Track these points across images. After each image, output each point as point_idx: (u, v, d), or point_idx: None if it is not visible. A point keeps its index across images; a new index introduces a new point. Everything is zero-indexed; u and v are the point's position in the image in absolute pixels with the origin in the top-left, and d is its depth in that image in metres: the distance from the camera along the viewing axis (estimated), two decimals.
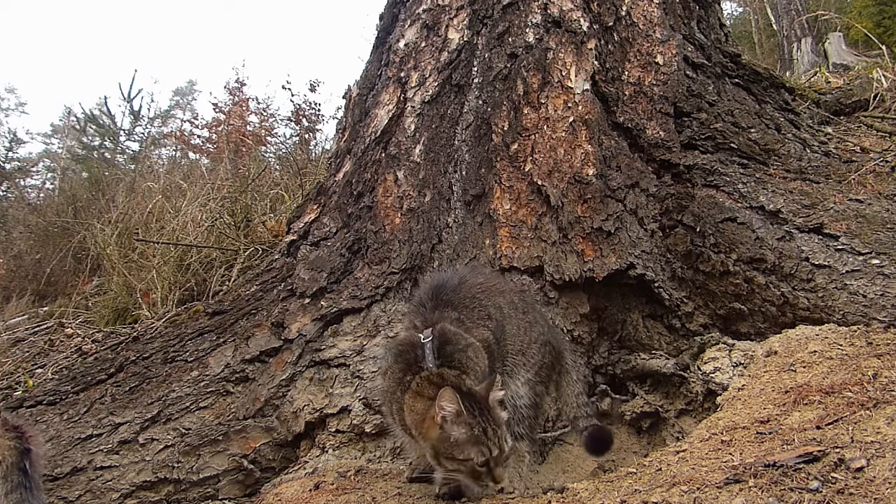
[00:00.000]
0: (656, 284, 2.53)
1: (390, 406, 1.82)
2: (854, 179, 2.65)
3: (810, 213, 2.40)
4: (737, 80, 3.11)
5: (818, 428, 1.43)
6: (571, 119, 2.77)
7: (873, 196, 2.50)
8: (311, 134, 10.12)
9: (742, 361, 2.19)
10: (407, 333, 1.93)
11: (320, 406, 2.41)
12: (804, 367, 1.85)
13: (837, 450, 1.27)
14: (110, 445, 2.37)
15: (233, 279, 3.90)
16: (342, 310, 2.63)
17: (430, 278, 2.19)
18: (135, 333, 3.26)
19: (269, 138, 11.07)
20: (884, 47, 4.98)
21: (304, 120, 10.58)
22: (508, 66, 2.89)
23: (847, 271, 2.18)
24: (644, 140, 2.81)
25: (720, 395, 2.06)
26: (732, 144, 2.77)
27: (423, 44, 3.07)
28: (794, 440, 1.40)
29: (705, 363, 2.29)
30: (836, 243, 2.26)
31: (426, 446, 1.67)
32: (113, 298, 4.09)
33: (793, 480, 1.20)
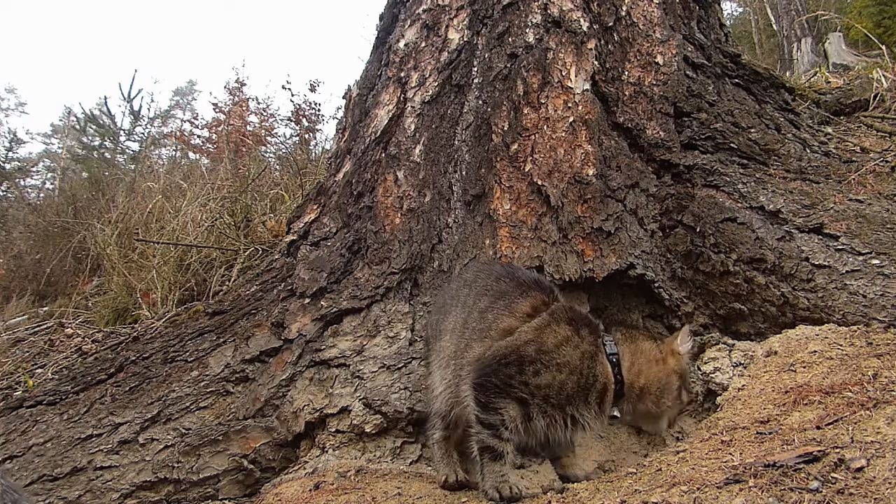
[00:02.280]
0: (656, 284, 2.53)
1: (587, 371, 1.76)
2: (854, 179, 2.65)
3: (810, 213, 2.40)
4: (737, 80, 3.11)
5: (818, 428, 1.43)
6: (571, 119, 2.77)
7: (873, 196, 2.50)
8: (311, 134, 10.13)
9: (742, 361, 2.19)
10: (564, 305, 1.90)
11: (320, 406, 2.41)
12: (804, 368, 1.85)
13: (837, 450, 1.27)
14: (110, 445, 2.37)
15: (233, 279, 3.90)
16: (342, 310, 2.63)
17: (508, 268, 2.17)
18: (135, 333, 3.26)
19: (269, 138, 11.08)
20: (884, 47, 4.97)
21: (304, 120, 10.60)
22: (508, 66, 2.89)
23: (847, 271, 2.18)
24: (644, 140, 2.81)
25: (720, 395, 2.06)
26: (732, 144, 2.77)
27: (423, 44, 3.07)
28: (794, 440, 1.40)
29: (705, 363, 2.29)
30: (836, 243, 2.26)
31: (667, 379, 1.81)
32: (113, 298, 4.09)
33: (793, 480, 1.20)
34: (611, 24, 2.98)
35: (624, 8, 3.01)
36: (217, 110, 13.38)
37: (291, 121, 11.00)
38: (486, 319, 1.89)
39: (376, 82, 3.20)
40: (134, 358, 2.68)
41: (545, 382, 1.71)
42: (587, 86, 2.83)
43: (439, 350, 2.06)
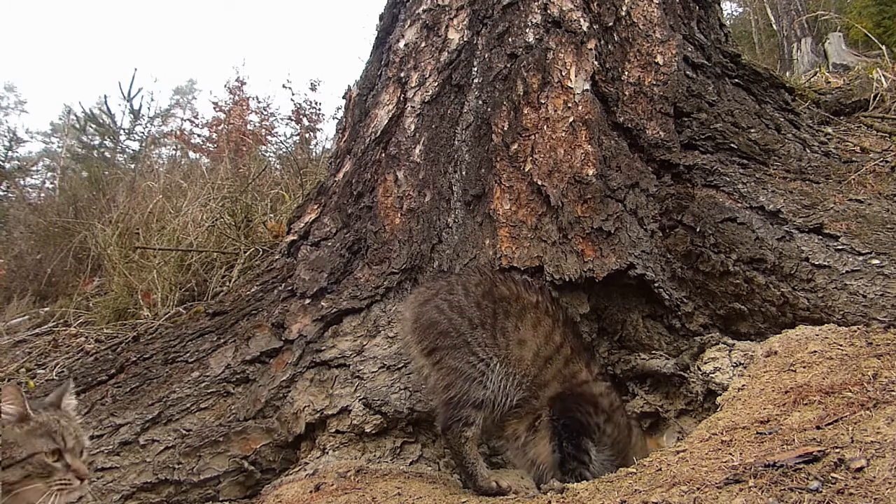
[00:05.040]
0: (656, 284, 2.53)
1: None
2: (854, 179, 2.65)
3: (810, 213, 2.40)
4: (737, 81, 3.11)
5: (818, 428, 1.43)
6: (571, 119, 2.77)
7: (873, 196, 2.50)
8: (311, 133, 10.13)
9: (742, 361, 2.19)
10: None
11: (321, 407, 2.41)
12: (804, 368, 1.85)
13: (837, 450, 1.27)
14: (111, 447, 2.37)
15: (233, 279, 3.91)
16: (342, 310, 2.63)
17: None
18: (135, 333, 3.27)
19: (269, 138, 11.08)
20: (884, 47, 4.98)
21: (304, 119, 10.59)
22: (508, 66, 2.89)
23: (847, 271, 2.18)
24: (644, 140, 2.81)
25: (720, 395, 2.06)
26: (732, 144, 2.77)
27: (423, 44, 3.07)
28: (794, 440, 1.40)
29: (705, 363, 2.29)
30: (836, 243, 2.26)
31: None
32: (114, 299, 4.10)
33: (793, 480, 1.20)
34: (611, 24, 2.98)
35: (624, 8, 3.01)
36: (217, 109, 13.35)
37: (292, 120, 11.00)
38: (570, 368, 2.12)
39: (376, 82, 3.20)
40: (134, 359, 2.68)
41: (608, 431, 2.08)
42: (587, 86, 2.83)
43: (515, 353, 2.10)
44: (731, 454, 1.46)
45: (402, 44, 3.13)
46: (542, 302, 2.20)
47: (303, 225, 3.06)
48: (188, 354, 2.66)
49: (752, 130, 2.85)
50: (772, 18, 12.93)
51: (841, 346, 1.91)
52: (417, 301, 2.22)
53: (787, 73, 8.59)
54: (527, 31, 2.93)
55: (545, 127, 2.76)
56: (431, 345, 2.10)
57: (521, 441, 2.09)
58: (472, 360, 2.06)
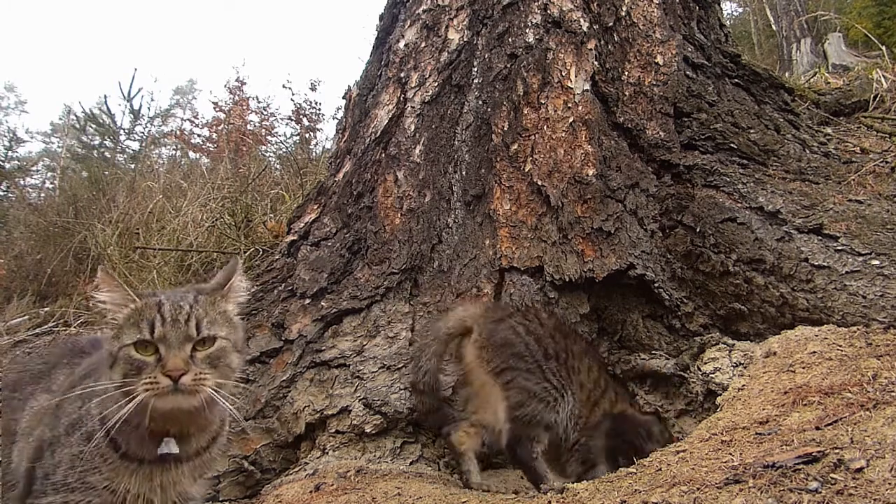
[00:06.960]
0: (656, 285, 2.53)
1: None
2: (854, 180, 2.65)
3: (810, 213, 2.40)
4: (737, 81, 3.11)
5: (817, 429, 1.43)
6: (571, 119, 2.77)
7: (873, 197, 2.50)
8: (311, 133, 10.13)
9: (742, 362, 2.19)
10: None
11: (321, 407, 2.41)
12: (803, 368, 1.86)
13: (837, 451, 1.27)
14: None
15: None
16: (342, 310, 2.63)
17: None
18: None
19: (269, 138, 11.07)
20: (884, 48, 4.98)
21: (304, 119, 10.59)
22: (508, 66, 2.89)
23: (847, 272, 2.18)
24: (644, 140, 2.81)
25: (720, 395, 2.06)
26: (732, 145, 2.77)
27: (423, 44, 3.07)
28: (793, 441, 1.40)
29: (705, 363, 2.29)
30: (835, 244, 2.26)
31: None
32: None
33: (792, 481, 1.20)
34: (611, 24, 2.98)
35: (624, 8, 3.01)
36: (217, 109, 13.33)
37: (292, 120, 10.99)
38: (618, 409, 2.25)
39: (376, 82, 3.20)
40: None
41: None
42: (587, 86, 2.83)
43: (578, 395, 2.20)
44: (730, 454, 1.46)
45: (402, 44, 3.13)
46: (589, 349, 2.34)
47: (303, 225, 3.06)
48: None
49: (752, 131, 2.85)
50: (771, 19, 12.93)
51: (840, 346, 1.91)
52: (489, 318, 2.20)
53: (787, 74, 8.60)
54: (527, 31, 2.93)
55: (545, 127, 2.77)
56: (503, 364, 2.10)
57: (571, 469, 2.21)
58: (547, 386, 2.10)
